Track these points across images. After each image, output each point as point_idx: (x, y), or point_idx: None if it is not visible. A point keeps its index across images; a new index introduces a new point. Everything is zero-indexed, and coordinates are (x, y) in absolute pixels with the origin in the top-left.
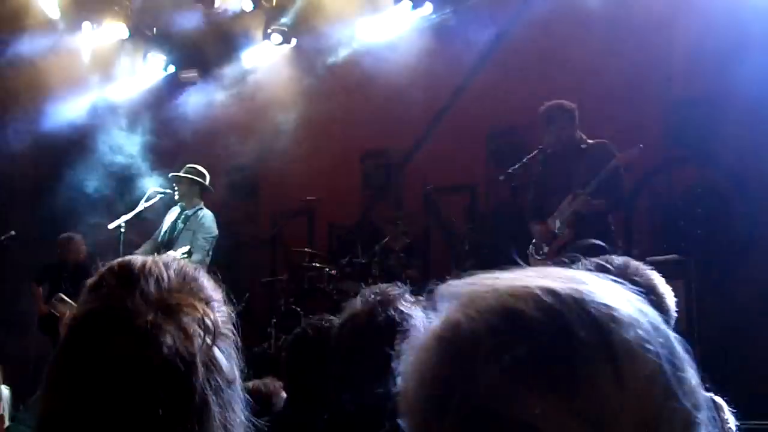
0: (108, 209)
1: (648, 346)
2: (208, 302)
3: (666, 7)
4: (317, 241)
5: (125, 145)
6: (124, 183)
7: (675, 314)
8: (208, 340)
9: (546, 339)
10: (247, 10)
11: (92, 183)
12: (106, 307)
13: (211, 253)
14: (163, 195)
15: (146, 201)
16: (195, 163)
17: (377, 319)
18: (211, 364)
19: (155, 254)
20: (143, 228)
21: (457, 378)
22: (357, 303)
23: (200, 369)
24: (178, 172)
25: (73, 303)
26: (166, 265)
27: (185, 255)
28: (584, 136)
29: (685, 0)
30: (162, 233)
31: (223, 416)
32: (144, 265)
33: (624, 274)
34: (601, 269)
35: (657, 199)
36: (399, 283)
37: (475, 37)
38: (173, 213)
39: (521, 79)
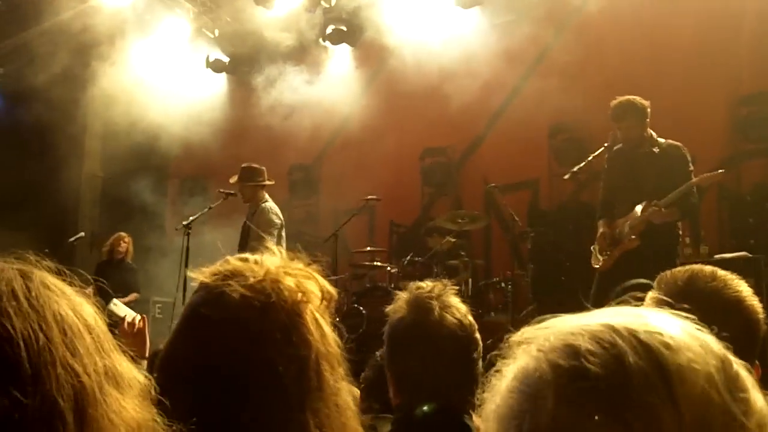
0: (173, 210)
1: (698, 367)
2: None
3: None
4: (378, 240)
5: (189, 146)
6: (189, 183)
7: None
8: (327, 299)
9: (601, 368)
10: (306, 11)
11: (158, 183)
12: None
13: (283, 242)
14: (228, 196)
15: (213, 202)
16: (255, 163)
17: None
18: (321, 327)
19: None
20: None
21: (526, 415)
22: (402, 305)
23: (312, 328)
24: (236, 175)
25: (127, 309)
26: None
27: None
28: (655, 135)
29: None
30: (240, 235)
31: (334, 384)
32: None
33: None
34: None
35: (725, 195)
36: (443, 280)
37: (536, 32)
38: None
39: (582, 73)
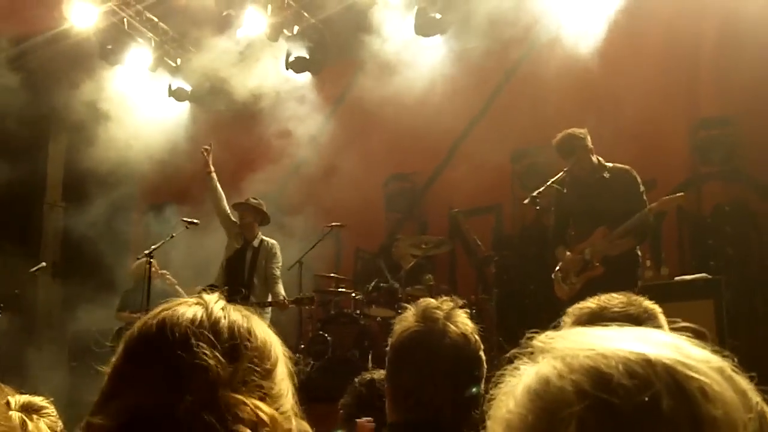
0: (138, 238)
1: (733, 421)
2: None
3: (692, 25)
4: (343, 266)
5: (153, 174)
6: (153, 211)
7: None
8: None
9: (631, 408)
10: (269, 39)
11: (122, 211)
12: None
13: None
14: (189, 225)
15: (173, 231)
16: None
17: (448, 339)
18: None
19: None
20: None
21: None
22: (410, 321)
23: None
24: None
25: None
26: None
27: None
28: (603, 160)
29: (713, 16)
30: (229, 270)
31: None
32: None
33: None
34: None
35: (685, 217)
36: (452, 297)
37: (498, 59)
38: (230, 248)
39: (544, 99)
